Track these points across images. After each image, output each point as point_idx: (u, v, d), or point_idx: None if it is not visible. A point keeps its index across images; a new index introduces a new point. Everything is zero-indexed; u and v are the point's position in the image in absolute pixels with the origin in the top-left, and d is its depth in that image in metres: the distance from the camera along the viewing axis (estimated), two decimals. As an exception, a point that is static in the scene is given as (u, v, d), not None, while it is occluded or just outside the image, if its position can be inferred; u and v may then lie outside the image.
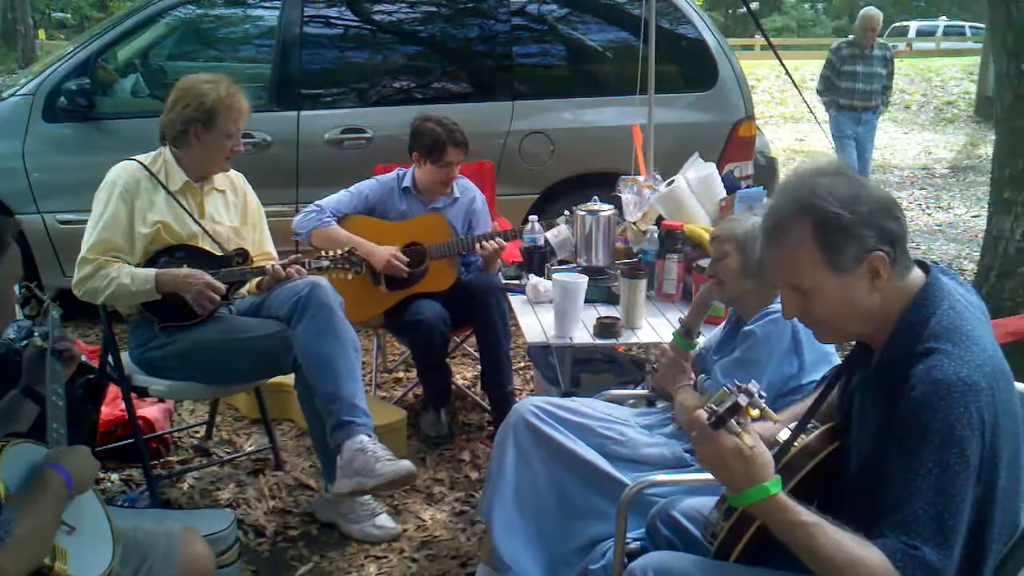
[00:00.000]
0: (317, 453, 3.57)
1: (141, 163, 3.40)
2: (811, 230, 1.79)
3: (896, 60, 8.81)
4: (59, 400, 2.24)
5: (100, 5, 22.21)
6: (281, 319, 3.33)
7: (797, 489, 1.82)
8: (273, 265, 3.43)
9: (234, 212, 3.57)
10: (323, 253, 3.54)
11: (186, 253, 3.37)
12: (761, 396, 1.74)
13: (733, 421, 1.71)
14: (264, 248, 3.66)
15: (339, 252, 3.54)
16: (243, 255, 3.46)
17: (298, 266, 3.44)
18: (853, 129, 8.65)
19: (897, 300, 1.82)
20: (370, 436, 3.17)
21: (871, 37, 8.48)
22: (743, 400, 1.71)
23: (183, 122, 3.35)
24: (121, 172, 3.37)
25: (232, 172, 3.59)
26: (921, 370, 1.70)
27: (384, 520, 3.44)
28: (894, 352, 1.81)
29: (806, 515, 1.70)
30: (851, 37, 8.91)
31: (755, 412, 1.74)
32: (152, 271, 3.29)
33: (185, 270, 3.31)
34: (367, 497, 3.40)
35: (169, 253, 3.35)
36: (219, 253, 3.41)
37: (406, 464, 3.11)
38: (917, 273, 1.85)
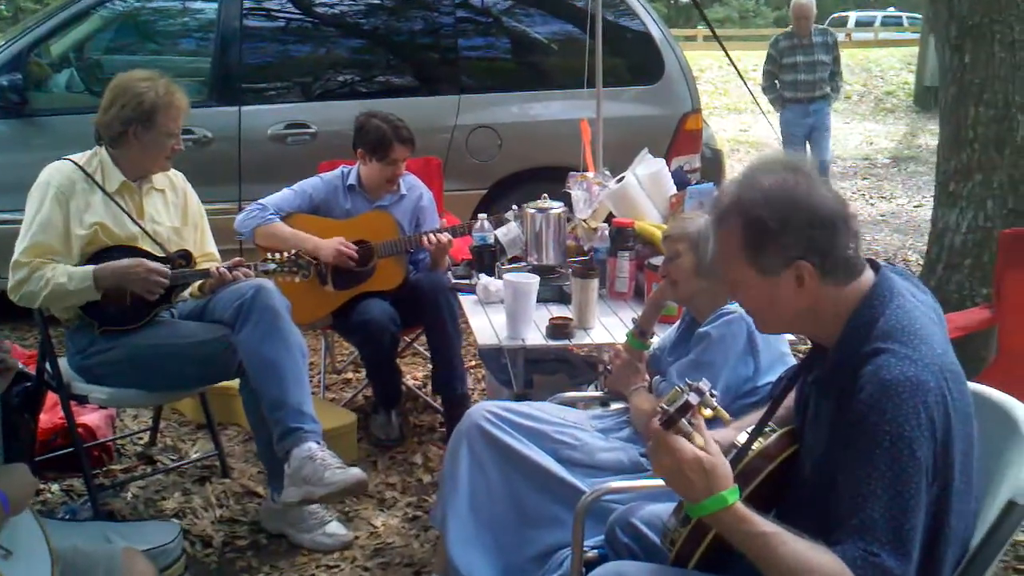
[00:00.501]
0: (263, 462, 3.49)
1: (76, 163, 3.29)
2: (740, 227, 1.81)
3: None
4: (-7, 414, 2.16)
5: (36, -4, 21.66)
6: (225, 323, 3.25)
7: (755, 494, 1.80)
8: (218, 268, 3.34)
9: (174, 212, 3.47)
10: (269, 256, 3.46)
11: (125, 255, 3.25)
12: (712, 395, 1.72)
13: (684, 421, 1.69)
14: (206, 249, 3.57)
15: (286, 255, 3.46)
16: (185, 256, 3.37)
17: (245, 269, 3.35)
18: (803, 122, 8.45)
19: (839, 303, 1.80)
20: (319, 443, 3.10)
21: (806, 26, 8.36)
22: (694, 399, 1.69)
23: (121, 123, 3.24)
24: (55, 172, 3.26)
25: (172, 171, 3.49)
26: (869, 371, 1.69)
27: (335, 528, 3.37)
28: (843, 353, 1.79)
29: (763, 524, 1.66)
30: (789, 28, 8.76)
31: (707, 412, 1.73)
32: (90, 268, 3.18)
33: (125, 260, 3.20)
34: (317, 505, 3.31)
35: (108, 255, 3.24)
36: (160, 254, 3.32)
37: (356, 472, 3.04)
38: (868, 274, 1.83)
